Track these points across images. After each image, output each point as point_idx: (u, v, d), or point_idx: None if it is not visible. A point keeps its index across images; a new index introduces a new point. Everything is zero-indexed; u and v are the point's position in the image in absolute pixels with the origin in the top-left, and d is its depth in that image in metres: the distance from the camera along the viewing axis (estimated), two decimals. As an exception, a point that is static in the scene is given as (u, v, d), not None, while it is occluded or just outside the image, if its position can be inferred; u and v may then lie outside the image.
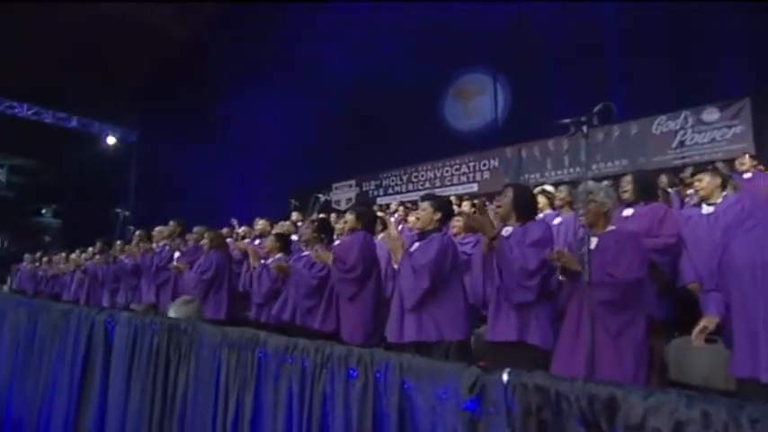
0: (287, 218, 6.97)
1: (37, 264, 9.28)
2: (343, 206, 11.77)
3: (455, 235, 4.20)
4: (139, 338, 2.47)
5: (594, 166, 8.33)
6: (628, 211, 3.32)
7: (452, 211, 4.22)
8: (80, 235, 11.93)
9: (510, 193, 3.01)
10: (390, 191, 11.75)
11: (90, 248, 7.38)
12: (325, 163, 12.73)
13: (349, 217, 3.78)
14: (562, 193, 3.94)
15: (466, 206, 5.45)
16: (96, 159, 16.98)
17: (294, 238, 5.78)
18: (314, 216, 5.24)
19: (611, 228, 2.46)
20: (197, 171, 13.50)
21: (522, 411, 1.14)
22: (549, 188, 4.71)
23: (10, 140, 19.02)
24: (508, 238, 2.88)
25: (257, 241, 5.58)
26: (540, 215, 3.93)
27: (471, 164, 10.62)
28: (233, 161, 13.88)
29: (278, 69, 12.47)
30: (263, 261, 4.28)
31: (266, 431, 1.69)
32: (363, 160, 12.12)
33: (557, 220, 3.97)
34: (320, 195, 5.31)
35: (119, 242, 6.62)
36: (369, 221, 3.79)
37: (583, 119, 2.35)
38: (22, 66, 15.01)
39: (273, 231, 5.22)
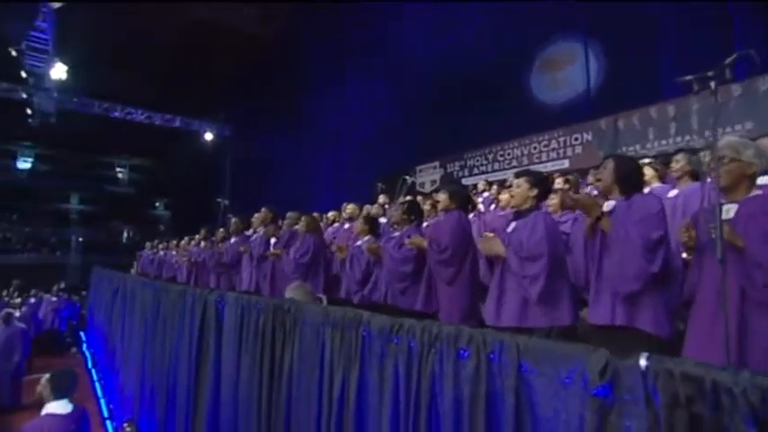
0: (374, 201, 7.04)
1: (155, 250, 10.36)
2: (427, 189, 11.67)
3: (551, 213, 3.94)
4: (246, 317, 2.61)
5: (707, 133, 7.37)
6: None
7: (550, 186, 3.95)
8: (187, 224, 13.11)
9: (611, 164, 2.69)
10: (475, 171, 11.40)
11: (196, 236, 8.06)
12: (410, 146, 12.70)
13: (442, 196, 3.67)
14: (680, 162, 3.49)
15: (560, 182, 5.09)
16: (197, 154, 18.58)
17: (382, 220, 5.82)
18: (402, 198, 5.22)
19: (756, 193, 2.04)
20: (287, 159, 14.21)
21: (668, 402, 0.99)
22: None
23: (129, 143, 21.51)
24: (610, 213, 2.60)
25: (347, 225, 5.69)
26: (646, 189, 3.52)
27: (561, 139, 9.94)
28: (321, 149, 14.38)
29: (361, 57, 12.63)
30: (355, 244, 4.35)
31: (372, 409, 1.69)
32: (447, 141, 11.89)
33: (672, 193, 3.54)
34: (407, 177, 5.26)
35: (221, 230, 7.15)
36: (463, 200, 3.66)
37: (710, 73, 2.01)
38: (135, 75, 16.73)
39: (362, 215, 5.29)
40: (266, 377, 2.33)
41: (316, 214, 5.79)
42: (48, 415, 3.03)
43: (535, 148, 10.32)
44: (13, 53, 13.81)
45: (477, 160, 11.54)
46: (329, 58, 13.26)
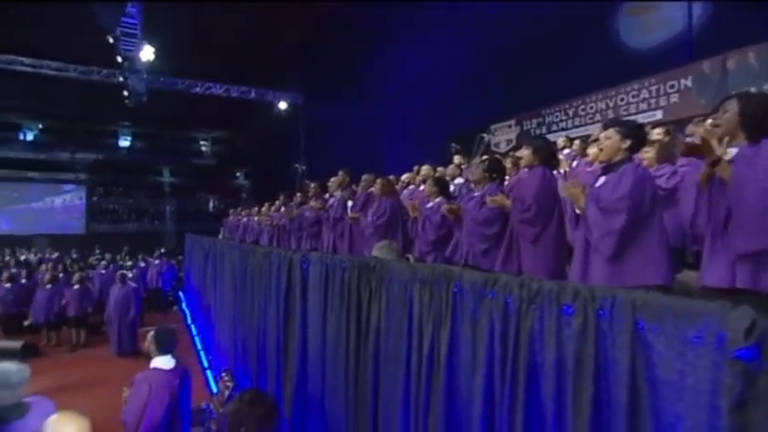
0: (448, 162, 6.87)
1: (238, 217, 11.01)
2: (502, 148, 11.20)
3: (645, 167, 3.57)
4: (331, 276, 2.67)
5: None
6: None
7: (644, 136, 3.57)
8: (266, 191, 13.74)
9: (734, 105, 2.30)
10: (554, 128, 10.71)
11: (276, 201, 8.40)
12: (483, 104, 12.16)
13: (524, 152, 3.46)
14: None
15: (658, 133, 4.58)
16: (272, 124, 19.30)
17: (458, 181, 5.67)
18: (479, 157, 5.02)
19: None
20: (358, 122, 14.26)
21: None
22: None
23: (210, 117, 22.83)
24: (731, 161, 2.26)
25: (422, 187, 5.61)
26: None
27: (654, 87, 8.97)
28: (391, 110, 14.24)
29: (429, 12, 12.11)
30: (426, 206, 4.27)
31: (464, 367, 1.65)
32: (524, 97, 11.22)
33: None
34: (485, 135, 5.03)
35: (298, 194, 7.39)
36: (548, 156, 3.42)
37: None
38: (212, 51, 17.49)
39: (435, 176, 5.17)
40: (353, 335, 2.38)
41: (392, 176, 5.77)
42: (154, 369, 3.25)
43: (622, 99, 9.44)
44: (110, 40, 14.99)
45: (557, 116, 10.81)
46: (397, 14, 12.87)
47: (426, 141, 11.99)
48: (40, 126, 25.19)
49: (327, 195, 6.10)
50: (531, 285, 1.37)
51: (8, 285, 9.06)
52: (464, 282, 1.61)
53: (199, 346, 8.18)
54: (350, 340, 2.39)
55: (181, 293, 12.81)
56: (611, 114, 9.57)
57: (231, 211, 12.20)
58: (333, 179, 5.74)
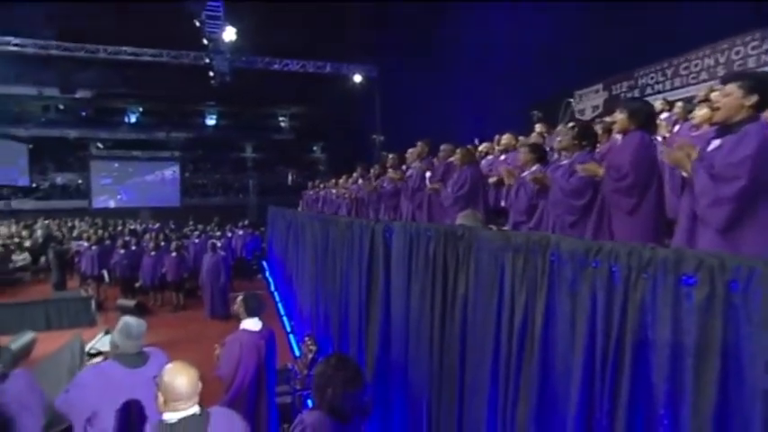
0: (529, 131, 6.54)
1: (316, 190, 11.37)
2: (588, 115, 10.43)
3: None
4: (415, 245, 2.66)
5: None
6: None
7: (774, 91, 3.12)
8: (343, 163, 14.03)
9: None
10: (649, 91, 9.73)
11: (353, 174, 8.53)
12: (565, 69, 11.33)
13: (619, 116, 3.17)
14: None
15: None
16: (347, 97, 19.57)
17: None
18: (564, 124, 4.71)
19: None
20: (433, 92, 13.99)
21: None
22: None
23: (287, 92, 23.71)
24: None
25: (502, 157, 5.41)
26: None
27: (778, 37, 7.82)
28: (467, 79, 13.78)
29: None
30: (521, 175, 4.09)
31: (562, 340, 1.57)
32: (612, 58, 10.28)
33: None
34: (571, 100, 4.69)
35: (376, 166, 7.44)
36: (646, 119, 3.10)
37: None
38: (288, 28, 17.96)
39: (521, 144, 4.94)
40: (438, 304, 2.37)
41: (470, 146, 5.60)
42: (243, 330, 3.53)
43: (738, 53, 8.29)
44: (197, 24, 15.93)
45: (652, 77, 9.82)
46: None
47: (504, 110, 11.47)
48: (141, 109, 27.94)
49: (404, 167, 6.07)
50: (641, 253, 1.26)
51: (122, 251, 10.22)
52: (562, 250, 1.52)
53: (281, 312, 8.70)
54: (435, 310, 2.39)
55: (264, 262, 13.64)
56: (720, 70, 8.49)
57: (309, 183, 12.63)
58: (411, 150, 5.69)
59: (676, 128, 4.93)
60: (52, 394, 2.69)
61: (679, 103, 5.21)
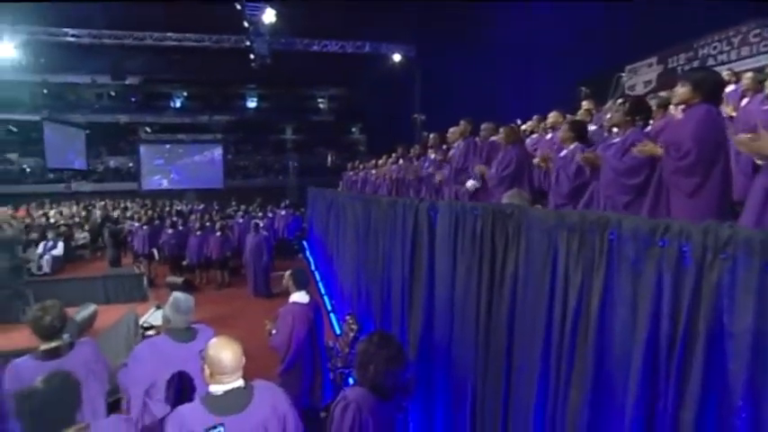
0: (576, 109, 6.24)
1: (356, 170, 11.39)
2: (639, 91, 9.84)
3: None
4: (461, 223, 2.59)
5: None
6: None
7: None
8: (381, 144, 13.96)
9: None
10: (711, 62, 9.03)
11: (393, 154, 8.47)
12: (614, 42, 10.68)
13: (681, 89, 2.93)
14: None
15: None
16: (387, 77, 19.37)
17: (591, 128, 5.14)
18: (614, 100, 4.44)
19: None
20: (475, 71, 13.61)
21: None
22: None
23: (326, 73, 23.78)
24: None
25: (549, 135, 5.19)
26: None
27: None
28: (510, 56, 13.31)
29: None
30: (560, 155, 3.92)
31: (621, 325, 1.49)
32: (668, 28, 9.58)
33: None
34: (622, 74, 4.41)
35: (416, 146, 7.34)
36: (712, 90, 2.86)
37: None
38: (326, 8, 17.83)
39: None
40: (485, 284, 2.31)
41: (513, 125, 5.41)
42: (293, 303, 3.77)
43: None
44: (238, 7, 16.11)
45: (715, 47, 9.10)
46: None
47: (549, 87, 10.99)
48: (185, 94, 28.81)
49: (445, 146, 5.96)
50: (719, 232, 1.15)
51: (170, 231, 10.68)
52: (623, 229, 1.43)
53: (322, 291, 8.85)
54: (482, 290, 2.33)
55: (304, 242, 13.89)
56: (795, 39, 7.78)
57: (348, 165, 12.66)
58: (452, 129, 5.55)
59: (744, 101, 4.56)
60: (112, 364, 2.85)
61: (748, 74, 4.79)
